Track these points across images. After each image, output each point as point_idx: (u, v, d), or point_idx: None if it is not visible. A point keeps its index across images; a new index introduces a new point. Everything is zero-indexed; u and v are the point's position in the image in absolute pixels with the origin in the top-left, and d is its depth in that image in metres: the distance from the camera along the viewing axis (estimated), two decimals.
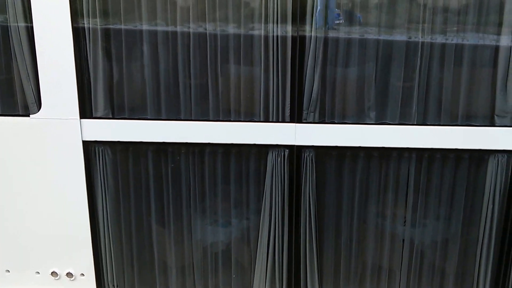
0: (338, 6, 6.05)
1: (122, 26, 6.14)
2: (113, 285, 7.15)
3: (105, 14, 6.09)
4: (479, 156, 6.39)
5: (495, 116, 6.21)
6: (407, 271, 6.90)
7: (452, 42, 6.02)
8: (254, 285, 7.00)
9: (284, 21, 5.99)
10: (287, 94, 6.24)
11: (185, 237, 7.00)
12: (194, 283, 7.13)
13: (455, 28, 6.02)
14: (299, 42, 6.04)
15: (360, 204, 6.69)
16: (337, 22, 6.06)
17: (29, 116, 6.40)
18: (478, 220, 6.61)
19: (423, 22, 5.96)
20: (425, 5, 5.95)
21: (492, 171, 6.37)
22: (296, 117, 6.31)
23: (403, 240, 6.80)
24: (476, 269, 6.76)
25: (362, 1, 6.00)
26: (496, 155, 6.31)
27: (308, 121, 6.33)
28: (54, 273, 7.06)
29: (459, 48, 6.05)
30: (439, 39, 6.02)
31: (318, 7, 5.98)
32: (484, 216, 6.55)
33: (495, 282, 6.77)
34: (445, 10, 5.96)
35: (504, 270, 6.71)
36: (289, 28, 6.00)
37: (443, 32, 6.01)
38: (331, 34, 6.05)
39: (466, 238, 6.75)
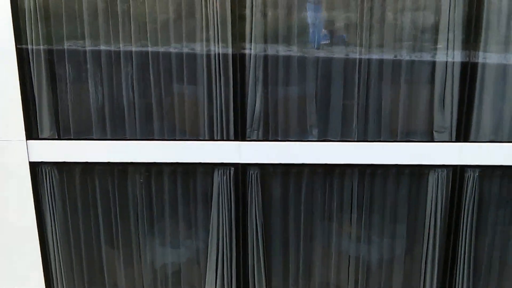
0: (325, 27, 6.19)
1: (66, 47, 6.22)
2: None
3: (48, 35, 6.16)
4: (420, 172, 6.50)
5: (434, 131, 6.33)
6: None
7: (389, 58, 6.16)
8: None
9: (224, 40, 6.11)
10: (230, 112, 6.32)
11: (134, 259, 6.99)
12: None
13: (393, 45, 6.18)
14: (240, 61, 6.15)
15: (306, 221, 6.75)
16: (324, 42, 6.19)
17: None
18: (422, 234, 6.67)
19: (361, 39, 6.11)
20: (361, 25, 6.10)
21: (433, 186, 6.48)
22: (240, 135, 6.39)
23: (349, 256, 6.83)
24: (422, 282, 6.79)
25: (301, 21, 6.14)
26: (436, 170, 6.43)
27: (252, 138, 6.40)
28: None
29: (396, 64, 6.19)
30: (376, 56, 6.16)
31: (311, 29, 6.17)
32: (427, 230, 6.62)
33: None
34: (381, 27, 6.12)
35: (449, 283, 6.76)
36: (229, 47, 6.11)
37: (380, 49, 6.16)
38: (270, 52, 6.17)
39: (411, 253, 6.81)
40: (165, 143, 6.48)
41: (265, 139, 6.46)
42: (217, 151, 6.46)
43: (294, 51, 6.20)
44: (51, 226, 6.78)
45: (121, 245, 6.94)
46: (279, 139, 6.48)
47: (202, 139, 6.48)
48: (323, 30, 6.17)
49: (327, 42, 6.19)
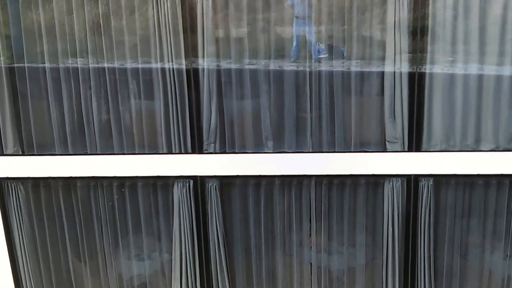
0: (321, 40, 6.32)
1: (26, 64, 6.41)
2: None
3: (8, 52, 6.36)
4: (375, 181, 6.59)
5: (386, 142, 6.43)
6: None
7: (338, 69, 6.29)
8: None
9: (178, 56, 6.27)
10: (187, 126, 6.47)
11: (101, 271, 7.13)
12: None
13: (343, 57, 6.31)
14: (193, 75, 6.30)
15: (267, 230, 6.86)
16: (322, 56, 6.32)
17: None
18: (381, 243, 6.75)
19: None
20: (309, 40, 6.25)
21: (389, 195, 6.56)
22: (197, 148, 6.53)
23: (311, 264, 6.92)
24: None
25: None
26: (391, 179, 6.51)
27: (209, 151, 6.54)
28: None
29: (345, 75, 6.31)
30: (325, 67, 6.29)
31: (294, 43, 6.30)
32: (386, 238, 6.70)
33: None
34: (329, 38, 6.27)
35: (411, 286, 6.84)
36: (183, 62, 6.27)
37: (329, 61, 6.29)
38: (224, 66, 6.32)
39: (372, 261, 6.89)
40: (125, 157, 6.63)
41: (223, 151, 6.57)
42: (175, 164, 6.59)
43: (247, 64, 6.34)
44: (19, 239, 6.95)
45: (87, 257, 7.08)
46: (236, 151, 6.59)
47: (160, 152, 6.61)
48: (319, 44, 6.29)
49: (325, 55, 6.32)
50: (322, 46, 6.31)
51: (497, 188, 6.58)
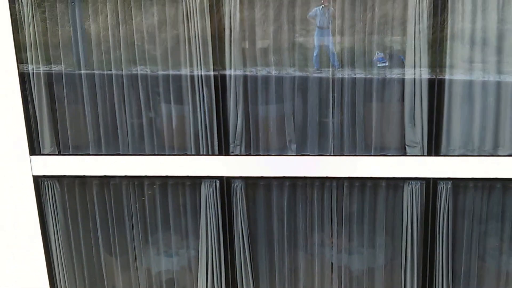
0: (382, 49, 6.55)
1: (63, 71, 6.80)
2: None
3: (47, 59, 6.75)
4: (395, 184, 6.82)
5: (406, 146, 6.66)
6: None
7: (361, 76, 6.54)
8: None
9: (207, 63, 6.59)
10: (214, 129, 6.78)
11: (131, 266, 7.50)
12: None
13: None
14: (221, 81, 6.61)
15: (290, 230, 7.14)
16: (382, 65, 6.56)
17: None
18: (400, 244, 6.98)
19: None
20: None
21: (408, 197, 6.79)
22: (224, 150, 6.85)
23: (332, 263, 7.18)
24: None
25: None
26: (410, 182, 6.74)
27: (235, 153, 6.85)
28: None
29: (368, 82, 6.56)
30: (349, 74, 6.55)
31: (315, 52, 6.59)
32: (405, 240, 6.92)
33: None
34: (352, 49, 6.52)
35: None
36: (211, 69, 6.58)
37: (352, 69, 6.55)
38: (249, 73, 6.62)
39: (391, 262, 7.12)
40: (156, 158, 6.97)
41: (248, 153, 6.88)
42: (203, 165, 6.91)
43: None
44: (54, 234, 7.34)
45: (118, 253, 7.45)
46: (261, 153, 6.89)
47: (189, 154, 6.94)
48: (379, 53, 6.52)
49: (385, 64, 6.55)
50: (382, 54, 6.51)
51: None
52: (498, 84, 6.49)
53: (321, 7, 6.44)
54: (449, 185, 6.71)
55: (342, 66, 6.60)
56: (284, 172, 6.88)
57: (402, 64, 6.51)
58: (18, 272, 7.43)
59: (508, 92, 6.49)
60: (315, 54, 6.61)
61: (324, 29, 6.50)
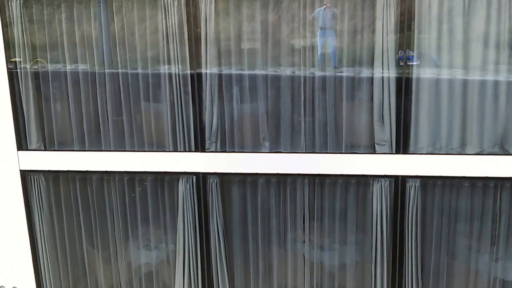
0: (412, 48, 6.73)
1: (49, 69, 7.14)
2: None
3: (34, 58, 7.10)
4: (365, 181, 7.02)
5: (375, 144, 6.87)
6: None
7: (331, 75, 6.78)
8: None
9: (184, 62, 6.89)
10: (191, 126, 7.06)
11: (112, 259, 7.78)
12: None
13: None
14: (197, 80, 6.90)
15: (263, 224, 7.37)
16: (413, 63, 6.73)
17: None
18: (370, 240, 7.16)
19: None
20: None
21: (377, 194, 6.97)
22: (200, 147, 7.12)
23: (304, 256, 7.38)
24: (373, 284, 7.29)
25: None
26: (379, 179, 6.93)
27: (210, 150, 7.12)
28: (1, 287, 7.92)
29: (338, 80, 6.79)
30: (319, 73, 6.79)
31: (319, 52, 6.85)
32: (374, 236, 7.10)
33: None
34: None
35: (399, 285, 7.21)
36: (187, 67, 6.88)
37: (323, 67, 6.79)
38: (225, 71, 6.89)
39: (361, 258, 7.30)
40: (135, 154, 7.27)
41: (223, 150, 7.14)
42: (180, 161, 7.19)
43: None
44: (39, 226, 7.66)
45: (100, 245, 7.73)
46: (235, 150, 7.14)
47: (167, 150, 7.22)
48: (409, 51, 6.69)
49: (417, 63, 6.72)
50: (412, 53, 6.68)
51: (483, 190, 6.90)
52: (464, 83, 6.67)
53: (323, 8, 6.66)
54: (418, 183, 6.87)
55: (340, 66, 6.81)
56: (258, 169, 7.11)
57: (434, 64, 6.68)
58: (4, 264, 7.74)
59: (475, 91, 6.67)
60: (318, 54, 6.83)
61: (326, 29, 6.72)
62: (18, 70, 7.17)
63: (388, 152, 6.87)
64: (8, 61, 7.14)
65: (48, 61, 7.20)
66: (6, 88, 7.20)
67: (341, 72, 6.83)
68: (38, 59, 7.06)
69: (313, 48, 6.82)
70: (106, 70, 7.11)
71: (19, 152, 7.38)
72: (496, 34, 6.51)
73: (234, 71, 6.95)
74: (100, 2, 6.89)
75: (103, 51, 7.06)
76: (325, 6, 6.59)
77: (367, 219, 7.16)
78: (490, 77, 6.59)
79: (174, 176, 7.31)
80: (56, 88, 7.25)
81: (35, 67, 7.18)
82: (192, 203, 7.31)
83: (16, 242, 7.70)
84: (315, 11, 6.68)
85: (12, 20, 7.03)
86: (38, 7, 7.03)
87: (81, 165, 7.37)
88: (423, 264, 7.17)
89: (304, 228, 7.32)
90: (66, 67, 7.16)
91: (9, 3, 6.98)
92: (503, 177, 6.72)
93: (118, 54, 7.05)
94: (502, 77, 6.61)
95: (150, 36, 6.96)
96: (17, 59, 7.13)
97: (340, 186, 7.12)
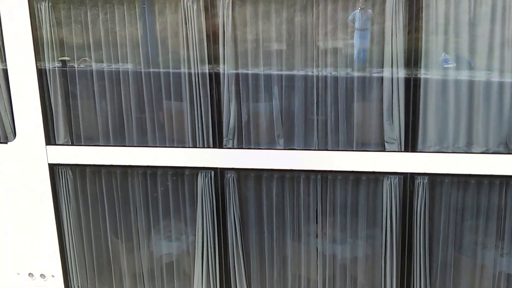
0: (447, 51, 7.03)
1: (76, 68, 7.57)
2: (78, 286, 8.40)
3: (62, 57, 7.53)
4: (375, 178, 7.34)
5: (385, 142, 7.18)
6: (323, 280, 7.82)
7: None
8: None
9: (203, 62, 7.26)
10: (209, 124, 7.44)
11: (135, 249, 8.21)
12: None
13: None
14: (215, 79, 7.27)
15: (278, 218, 7.72)
16: (447, 66, 7.00)
17: (7, 143, 7.88)
18: (380, 235, 7.48)
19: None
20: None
21: (387, 191, 7.29)
22: (218, 143, 7.50)
23: (317, 249, 7.72)
24: (382, 279, 7.61)
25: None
26: (389, 176, 7.24)
27: (228, 146, 7.50)
28: (30, 275, 8.40)
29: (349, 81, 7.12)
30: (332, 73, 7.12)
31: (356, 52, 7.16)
32: (384, 231, 7.42)
33: None
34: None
35: (407, 281, 7.52)
36: (206, 68, 7.25)
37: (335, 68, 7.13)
38: (242, 70, 7.24)
39: (372, 252, 7.62)
40: (157, 150, 7.68)
41: (240, 147, 7.51)
42: (199, 157, 7.58)
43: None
44: (66, 217, 8.11)
45: (124, 237, 8.17)
46: (252, 147, 7.51)
47: (187, 146, 7.62)
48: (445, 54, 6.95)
49: (452, 65, 6.98)
50: (448, 56, 6.95)
51: (488, 187, 7.18)
52: (471, 83, 6.94)
53: (358, 10, 6.98)
54: (426, 180, 7.17)
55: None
56: (273, 165, 7.47)
57: (469, 66, 6.95)
58: (33, 253, 8.22)
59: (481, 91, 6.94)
60: (355, 55, 7.14)
61: (363, 31, 7.04)
62: (46, 68, 7.57)
63: (398, 150, 7.16)
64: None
65: (75, 61, 7.61)
66: (36, 86, 7.62)
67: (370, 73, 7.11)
68: (85, 58, 7.45)
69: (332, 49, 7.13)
70: (129, 70, 7.49)
71: (48, 146, 7.82)
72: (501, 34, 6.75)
73: (250, 71, 7.29)
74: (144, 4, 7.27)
75: (145, 52, 7.43)
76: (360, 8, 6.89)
77: (377, 214, 7.48)
78: (495, 78, 6.84)
79: (194, 171, 7.70)
80: (82, 85, 7.66)
81: (82, 65, 7.58)
82: (211, 197, 7.70)
83: (44, 232, 8.17)
84: (352, 13, 6.98)
85: (61, 20, 7.45)
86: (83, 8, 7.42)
87: (106, 159, 7.80)
88: (431, 258, 7.45)
89: (317, 222, 7.65)
90: (91, 65, 7.56)
91: (57, 5, 7.40)
92: (508, 175, 6.98)
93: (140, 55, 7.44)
94: (508, 78, 6.86)
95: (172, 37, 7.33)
96: (66, 58, 7.58)
97: (351, 182, 7.44)
